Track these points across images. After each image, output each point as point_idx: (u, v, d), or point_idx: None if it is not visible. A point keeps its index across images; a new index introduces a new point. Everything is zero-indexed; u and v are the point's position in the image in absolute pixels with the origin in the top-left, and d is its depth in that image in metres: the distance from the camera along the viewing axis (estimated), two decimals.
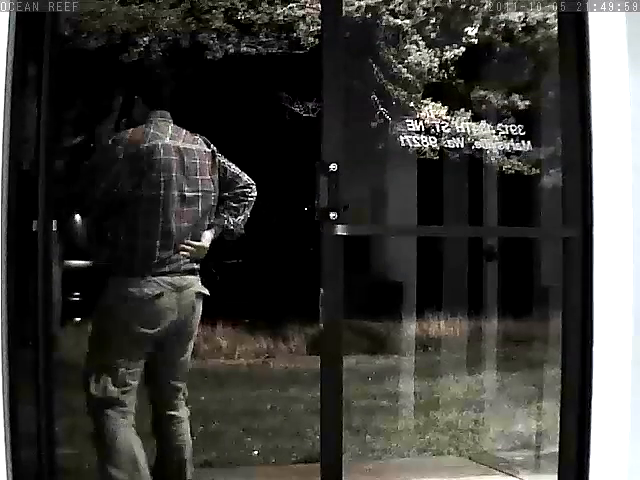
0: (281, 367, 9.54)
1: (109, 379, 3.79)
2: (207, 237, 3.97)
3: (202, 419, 6.29)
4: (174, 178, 3.84)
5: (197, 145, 3.99)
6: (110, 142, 3.89)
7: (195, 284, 3.93)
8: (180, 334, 3.91)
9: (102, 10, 8.91)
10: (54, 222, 3.34)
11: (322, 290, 3.31)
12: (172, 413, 3.98)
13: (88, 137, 10.33)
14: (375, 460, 5.47)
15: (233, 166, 4.11)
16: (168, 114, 3.98)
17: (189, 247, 3.88)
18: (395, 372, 8.12)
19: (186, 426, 3.99)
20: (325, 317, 3.32)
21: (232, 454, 5.54)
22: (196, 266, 3.95)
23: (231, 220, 4.04)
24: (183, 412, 4.01)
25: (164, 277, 3.82)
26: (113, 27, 8.98)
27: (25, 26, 3.11)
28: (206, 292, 3.97)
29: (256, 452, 5.60)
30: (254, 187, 4.12)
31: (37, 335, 3.23)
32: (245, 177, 4.11)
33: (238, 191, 4.07)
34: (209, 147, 4.02)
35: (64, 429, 4.37)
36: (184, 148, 3.91)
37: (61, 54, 3.41)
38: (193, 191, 3.90)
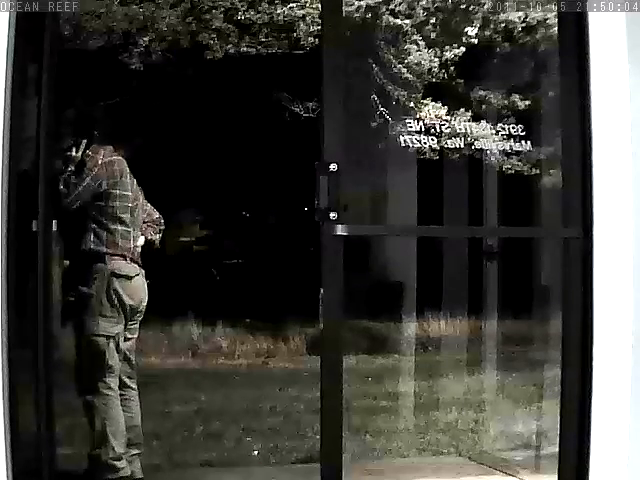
0: (281, 367, 9.53)
1: None
2: None
3: (202, 419, 6.29)
4: None
5: None
6: None
7: None
8: None
9: (102, 10, 8.93)
10: (54, 222, 3.34)
11: (322, 290, 3.31)
12: None
13: None
14: (375, 460, 5.47)
15: None
16: None
17: None
18: (395, 372, 8.11)
19: None
20: (325, 317, 3.32)
21: (232, 454, 5.53)
22: None
23: None
24: None
25: None
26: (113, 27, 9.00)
27: (25, 26, 3.10)
28: None
29: (256, 452, 5.59)
30: None
31: (37, 335, 3.23)
32: None
33: None
34: None
35: (64, 429, 4.37)
36: None
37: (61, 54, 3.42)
38: None
